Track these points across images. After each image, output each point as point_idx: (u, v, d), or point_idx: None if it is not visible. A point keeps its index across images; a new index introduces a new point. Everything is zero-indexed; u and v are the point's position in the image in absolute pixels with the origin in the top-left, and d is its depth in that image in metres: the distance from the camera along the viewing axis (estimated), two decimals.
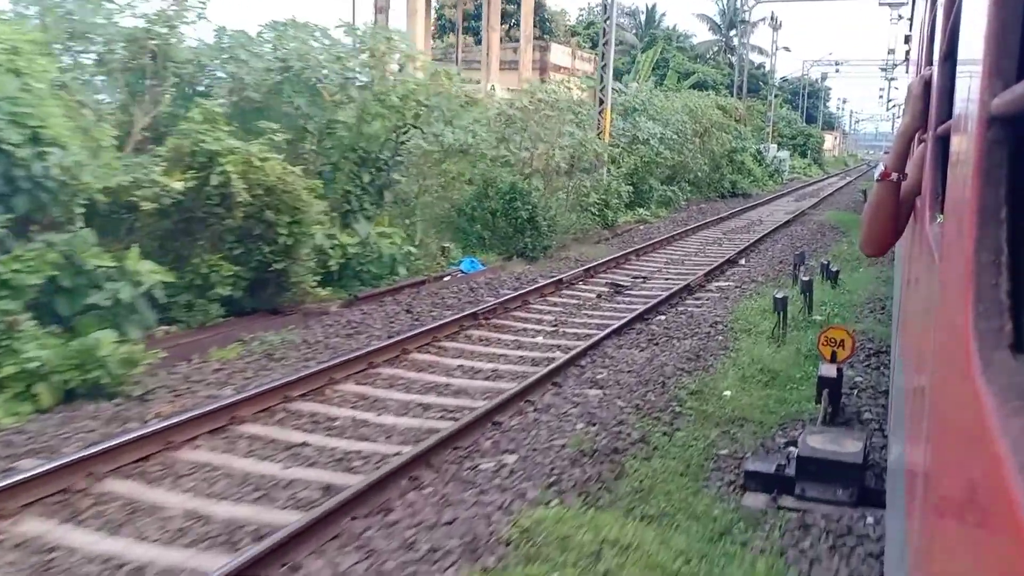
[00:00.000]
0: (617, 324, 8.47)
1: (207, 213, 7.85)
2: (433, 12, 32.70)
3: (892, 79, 64.99)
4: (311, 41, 10.34)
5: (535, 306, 9.80)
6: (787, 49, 46.09)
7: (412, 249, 10.73)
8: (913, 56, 6.45)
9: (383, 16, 22.50)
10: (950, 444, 0.83)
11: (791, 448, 4.87)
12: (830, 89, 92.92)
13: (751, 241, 16.20)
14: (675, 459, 5.05)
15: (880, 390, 6.29)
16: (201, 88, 9.79)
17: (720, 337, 8.07)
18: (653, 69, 40.95)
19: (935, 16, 2.39)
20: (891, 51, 35.91)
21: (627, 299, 10.43)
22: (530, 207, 13.33)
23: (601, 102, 17.87)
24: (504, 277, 11.54)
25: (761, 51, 60.27)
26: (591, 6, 41.54)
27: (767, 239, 17.16)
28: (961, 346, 0.71)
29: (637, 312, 9.12)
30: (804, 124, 62.88)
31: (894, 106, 63.68)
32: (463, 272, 11.48)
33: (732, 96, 42.72)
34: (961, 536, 0.69)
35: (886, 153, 2.27)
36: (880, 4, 33.25)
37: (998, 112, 0.68)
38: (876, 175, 2.00)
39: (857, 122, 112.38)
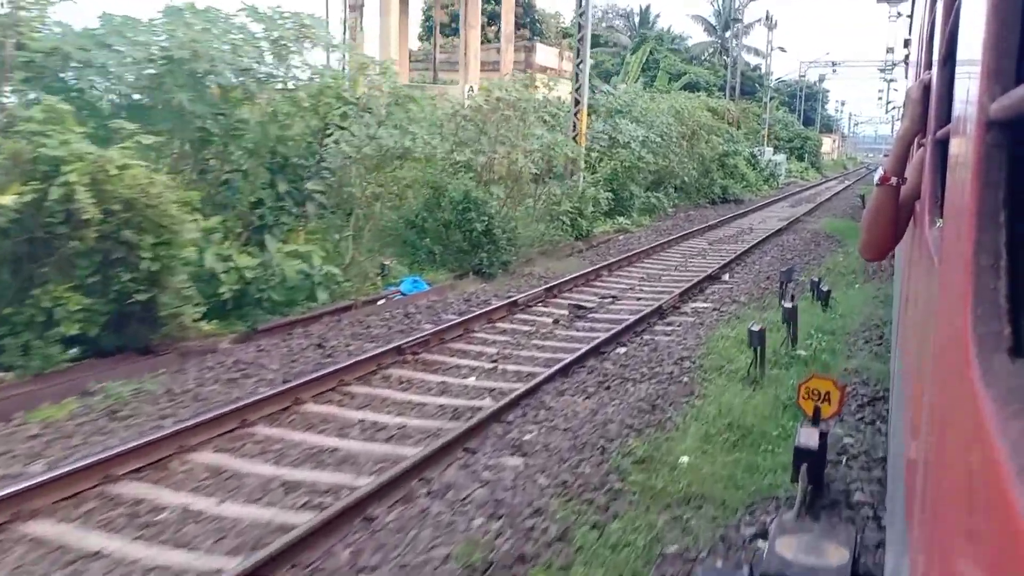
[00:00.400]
0: (567, 359, 8.51)
1: (50, 234, 7.56)
2: (421, 12, 36.52)
3: (891, 80, 70.59)
4: (212, 29, 10.29)
5: (478, 335, 9.92)
6: (783, 49, 51.65)
7: (334, 270, 10.72)
8: (912, 60, 6.92)
9: (356, 14, 24.40)
10: (949, 447, 0.97)
11: (759, 543, 4.45)
12: (828, 92, 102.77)
13: (738, 253, 17.17)
14: (603, 566, 4.43)
15: (876, 457, 5.97)
16: (75, 82, 9.65)
17: (685, 379, 7.95)
18: (644, 70, 45.17)
19: (934, 20, 2.70)
20: (890, 50, 38.96)
21: (588, 325, 10.68)
22: (486, 218, 13.63)
23: (577, 103, 18.70)
24: (451, 299, 11.73)
25: (757, 52, 65.97)
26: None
27: (756, 250, 18.23)
28: (960, 350, 0.85)
29: (595, 343, 9.19)
30: (801, 127, 69.67)
31: (893, 108, 69.37)
32: (402, 294, 11.63)
33: (726, 98, 46.59)
34: (960, 540, 0.82)
35: (885, 156, 2.55)
36: (878, 1, 36.26)
37: (996, 116, 0.82)
38: (875, 179, 2.30)
39: (856, 125, 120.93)
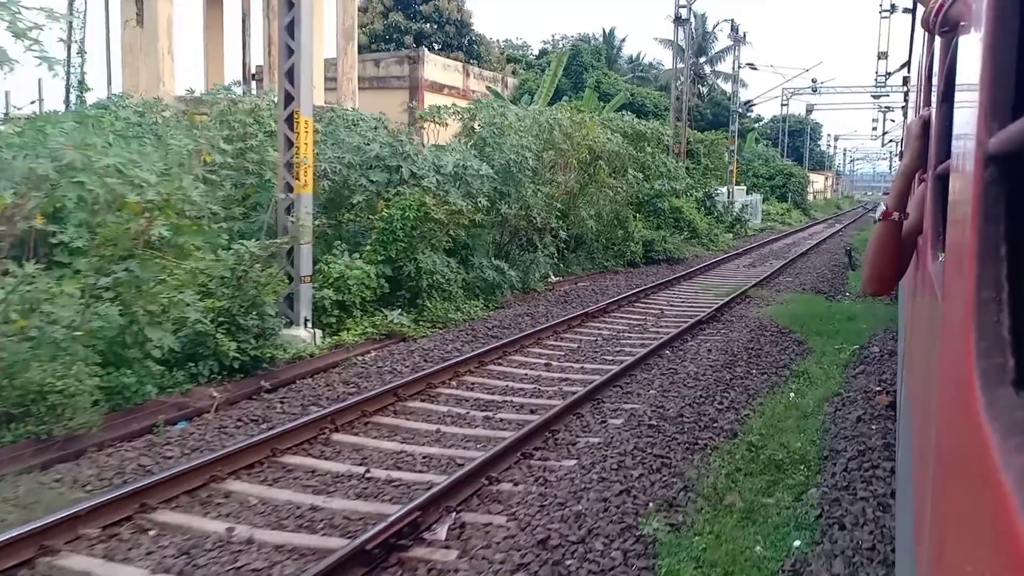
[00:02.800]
0: None
1: None
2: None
3: (885, 109, 70.13)
4: None
5: None
6: (752, 67, 49.40)
7: None
8: (912, 96, 7.16)
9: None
10: (955, 481, 1.00)
11: None
12: (821, 126, 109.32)
13: (566, 402, 9.80)
14: None
15: None
16: None
17: None
18: (575, 89, 43.81)
19: (932, 57, 2.78)
20: (882, 55, 36.42)
21: None
22: None
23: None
24: None
25: (736, 80, 64.41)
26: (555, 39, 42.38)
27: (616, 390, 10.88)
28: (964, 383, 0.87)
29: None
30: (785, 161, 70.21)
31: (889, 141, 71.68)
32: None
33: (690, 126, 45.53)
34: (968, 572, 0.82)
35: (885, 194, 2.61)
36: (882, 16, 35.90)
37: (995, 151, 0.86)
38: (877, 215, 2.58)
39: (852, 161, 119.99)
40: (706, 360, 12.16)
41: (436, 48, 51.11)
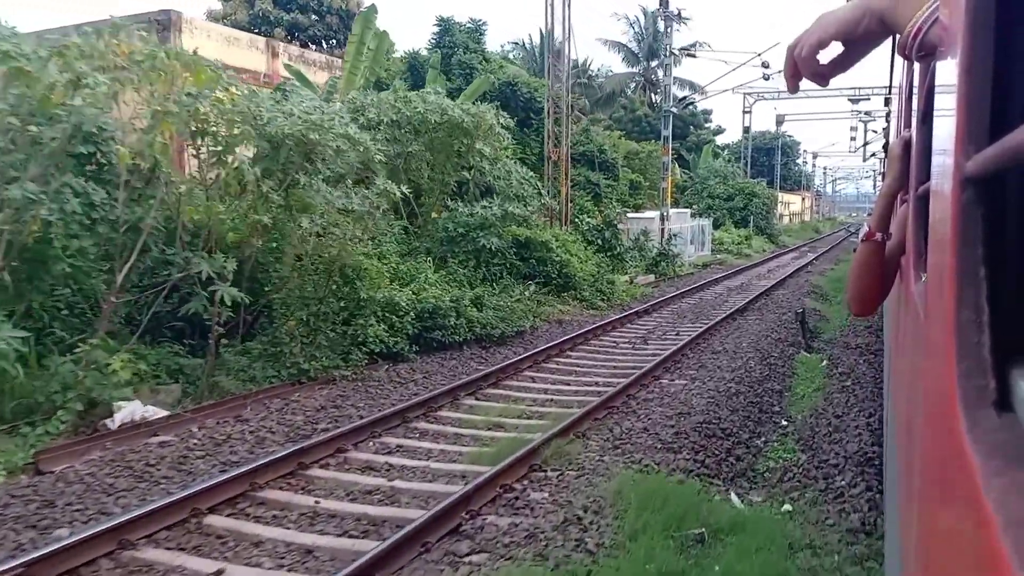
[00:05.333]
0: None
1: None
2: None
3: (865, 119, 63.36)
4: None
5: None
6: (691, 54, 41.11)
7: None
8: (892, 119, 7.28)
9: None
10: (938, 501, 0.99)
11: None
12: (799, 143, 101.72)
13: None
14: None
15: None
16: None
17: None
18: (448, 75, 31.98)
19: (912, 79, 2.84)
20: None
21: None
22: None
23: None
24: None
25: (693, 87, 57.00)
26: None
27: None
28: (946, 404, 0.88)
29: None
30: (747, 179, 59.40)
31: (871, 155, 65.77)
32: None
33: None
34: None
35: (869, 215, 2.65)
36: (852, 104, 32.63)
37: (972, 173, 0.87)
38: (860, 235, 2.60)
39: (833, 181, 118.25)
40: None
41: (318, 41, 45.27)
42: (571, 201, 28.84)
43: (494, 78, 31.01)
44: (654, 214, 35.41)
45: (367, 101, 19.07)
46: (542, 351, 16.23)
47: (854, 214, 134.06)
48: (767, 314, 21.40)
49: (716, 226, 47.25)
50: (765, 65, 42.31)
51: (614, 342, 17.97)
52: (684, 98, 48.24)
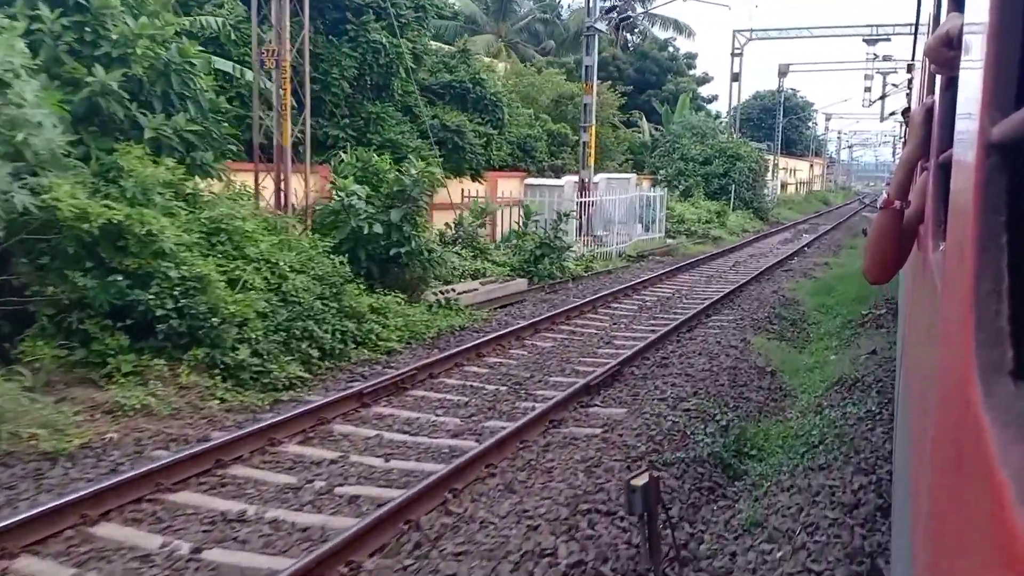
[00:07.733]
0: None
1: None
2: None
3: (884, 67, 51.99)
4: None
5: None
6: None
7: None
8: (915, 86, 7.22)
9: None
10: (952, 473, 0.99)
11: None
12: (811, 104, 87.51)
13: None
14: None
15: None
16: None
17: None
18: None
19: None
20: None
21: None
22: None
23: None
24: None
25: (677, 26, 48.54)
26: None
27: None
28: (962, 374, 0.87)
29: None
30: (734, 139, 47.90)
31: (890, 114, 55.09)
32: None
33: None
34: (964, 564, 0.83)
35: (887, 184, 2.63)
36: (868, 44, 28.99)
37: (998, 140, 0.85)
38: (879, 203, 2.58)
39: (850, 147, 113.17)
40: None
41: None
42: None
43: None
44: (567, 179, 26.48)
45: None
46: None
47: (872, 183, 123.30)
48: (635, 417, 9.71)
49: (686, 196, 38.60)
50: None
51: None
52: (614, 7, 34.85)
